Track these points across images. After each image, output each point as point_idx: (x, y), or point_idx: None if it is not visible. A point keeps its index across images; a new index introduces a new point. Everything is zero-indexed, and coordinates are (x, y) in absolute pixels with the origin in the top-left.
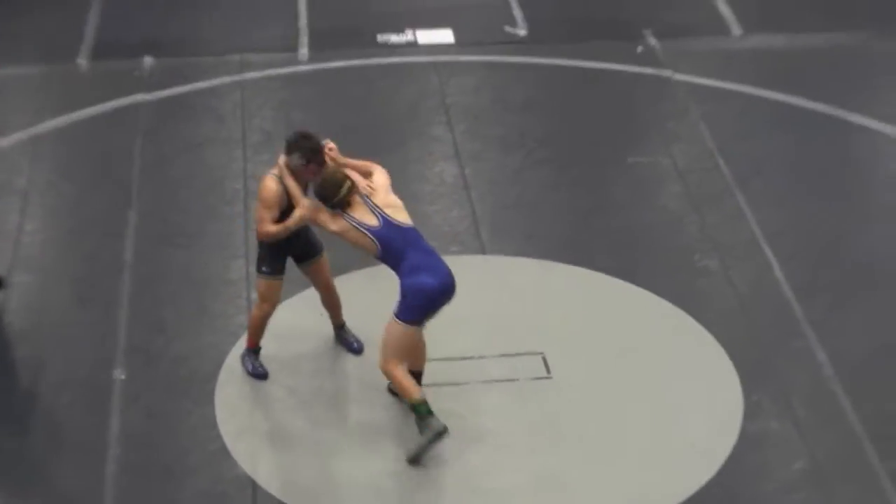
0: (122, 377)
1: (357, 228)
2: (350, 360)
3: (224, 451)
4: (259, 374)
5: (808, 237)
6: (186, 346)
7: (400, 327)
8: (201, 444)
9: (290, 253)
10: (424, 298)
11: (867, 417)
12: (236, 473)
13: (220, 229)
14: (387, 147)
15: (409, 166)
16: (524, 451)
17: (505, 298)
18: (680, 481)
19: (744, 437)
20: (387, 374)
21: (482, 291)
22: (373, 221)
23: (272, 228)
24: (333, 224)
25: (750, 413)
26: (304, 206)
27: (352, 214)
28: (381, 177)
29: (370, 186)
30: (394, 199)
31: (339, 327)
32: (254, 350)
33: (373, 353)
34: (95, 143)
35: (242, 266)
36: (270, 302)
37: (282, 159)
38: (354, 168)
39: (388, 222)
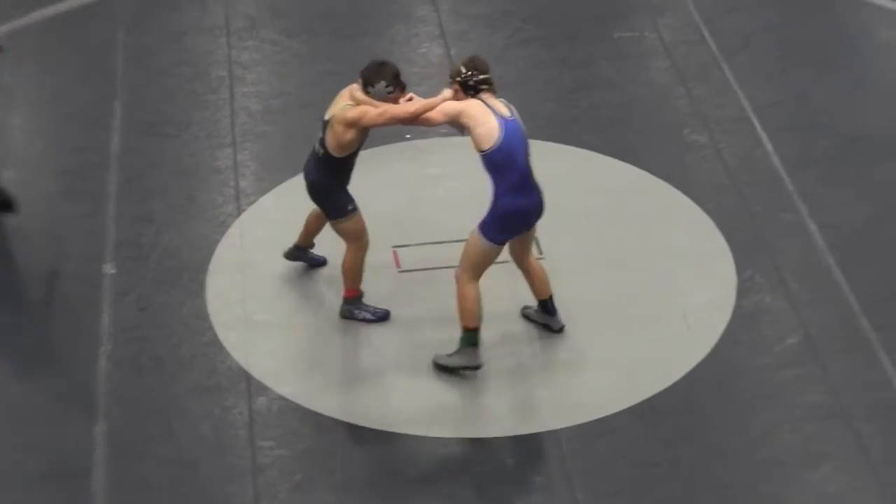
0: (112, 271)
1: (490, 110)
2: (343, 251)
3: (216, 343)
4: (382, 316)
5: (797, 110)
6: (176, 237)
7: (486, 246)
8: (194, 336)
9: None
10: (522, 220)
11: (861, 289)
12: (229, 365)
13: (206, 117)
14: (372, 29)
15: (394, 48)
16: (518, 333)
17: None
18: (675, 359)
19: (738, 312)
20: (459, 286)
21: (471, 172)
22: (505, 112)
23: (402, 108)
24: (464, 103)
25: (743, 288)
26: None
27: (485, 100)
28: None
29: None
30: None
31: (309, 247)
32: (359, 297)
33: (325, 244)
34: (79, 36)
35: (230, 154)
36: (365, 235)
37: (352, 92)
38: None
39: (516, 120)
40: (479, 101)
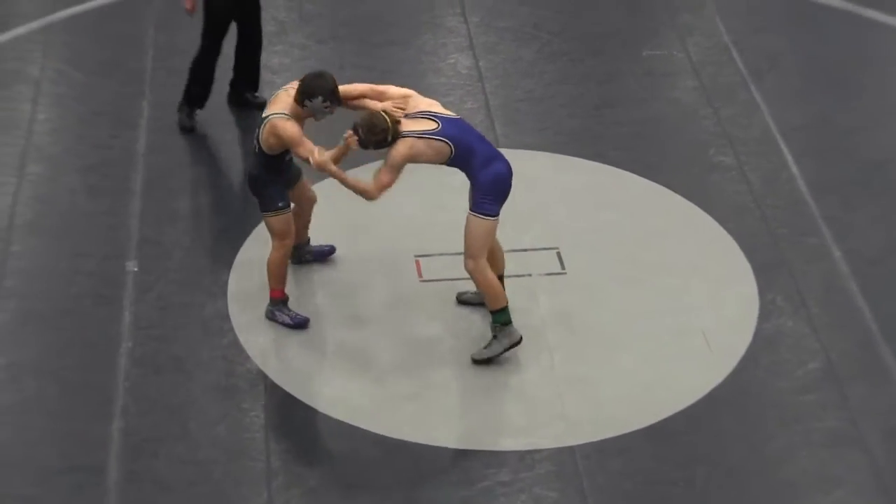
0: (135, 269)
1: (423, 138)
2: (364, 259)
3: (236, 344)
4: (301, 323)
5: (823, 133)
6: (200, 237)
7: (486, 223)
8: (213, 338)
9: (290, 183)
10: (504, 186)
11: (882, 316)
12: (248, 367)
13: (234, 120)
14: (401, 39)
15: (423, 58)
16: (538, 348)
17: (519, 192)
18: (694, 380)
19: (759, 335)
20: (476, 274)
21: None
22: (431, 125)
23: (329, 163)
24: (403, 147)
25: (765, 311)
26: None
27: (410, 130)
28: (394, 89)
29: (398, 106)
30: (427, 99)
31: (307, 243)
32: (283, 300)
33: (345, 253)
34: (108, 33)
35: None
36: (290, 236)
37: (287, 100)
38: (366, 98)
39: (444, 119)
40: (412, 139)
